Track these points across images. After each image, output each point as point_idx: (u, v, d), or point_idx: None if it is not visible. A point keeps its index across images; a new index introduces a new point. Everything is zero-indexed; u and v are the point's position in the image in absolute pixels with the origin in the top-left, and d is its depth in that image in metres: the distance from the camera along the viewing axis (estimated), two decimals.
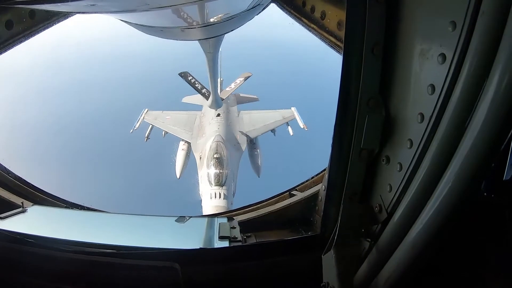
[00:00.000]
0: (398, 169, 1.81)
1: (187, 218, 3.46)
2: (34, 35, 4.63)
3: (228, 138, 17.51)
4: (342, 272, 2.08)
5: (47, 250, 2.66)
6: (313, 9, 4.23)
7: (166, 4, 3.09)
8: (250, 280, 2.74)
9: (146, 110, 20.87)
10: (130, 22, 4.62)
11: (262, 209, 3.55)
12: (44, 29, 4.80)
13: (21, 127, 39.22)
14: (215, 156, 15.63)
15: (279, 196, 3.77)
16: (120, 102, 43.25)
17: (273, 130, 19.91)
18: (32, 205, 3.75)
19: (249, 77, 22.56)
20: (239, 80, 22.53)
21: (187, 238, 3.17)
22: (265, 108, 21.75)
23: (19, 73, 40.93)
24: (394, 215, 1.82)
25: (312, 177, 3.69)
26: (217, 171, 15.30)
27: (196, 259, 2.66)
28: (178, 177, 18.70)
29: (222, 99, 19.64)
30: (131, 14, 4.04)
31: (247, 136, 18.86)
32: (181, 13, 3.94)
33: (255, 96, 23.85)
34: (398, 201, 1.81)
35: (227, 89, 22.24)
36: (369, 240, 2.03)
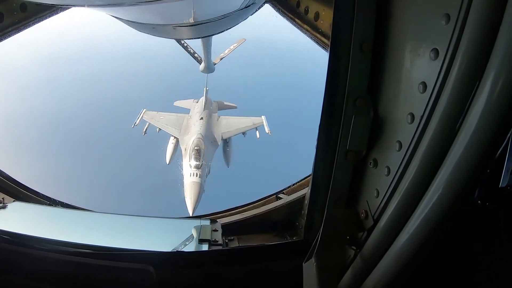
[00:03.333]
0: (385, 173, 1.69)
1: (170, 219, 3.37)
2: (25, 28, 4.58)
3: (207, 136, 22.19)
4: (323, 281, 1.95)
5: (23, 248, 2.60)
6: (307, 10, 4.16)
7: None
8: (229, 285, 2.63)
9: (144, 110, 24.47)
10: (122, 19, 4.52)
11: (247, 212, 3.45)
12: (35, 23, 4.73)
13: (9, 122, 39.61)
14: (195, 148, 20.41)
15: (266, 199, 3.68)
16: (113, 99, 44.08)
17: (244, 133, 24.19)
18: (14, 201, 3.68)
19: (242, 42, 26.17)
20: (233, 46, 25.72)
21: (164, 240, 3.08)
22: (246, 113, 25.78)
23: (11, 67, 41.28)
24: (380, 222, 1.71)
25: (298, 181, 3.58)
26: (196, 160, 19.97)
27: (171, 262, 2.57)
28: (167, 163, 23.45)
29: (215, 64, 23.19)
30: (123, 10, 3.95)
31: (222, 136, 23.45)
32: (172, 10, 3.85)
33: (234, 104, 27.93)
34: (385, 207, 1.70)
35: (221, 55, 24.97)
36: (354, 247, 1.91)
